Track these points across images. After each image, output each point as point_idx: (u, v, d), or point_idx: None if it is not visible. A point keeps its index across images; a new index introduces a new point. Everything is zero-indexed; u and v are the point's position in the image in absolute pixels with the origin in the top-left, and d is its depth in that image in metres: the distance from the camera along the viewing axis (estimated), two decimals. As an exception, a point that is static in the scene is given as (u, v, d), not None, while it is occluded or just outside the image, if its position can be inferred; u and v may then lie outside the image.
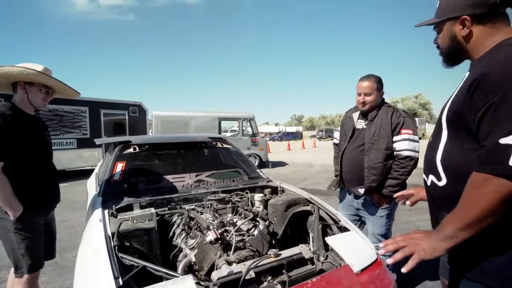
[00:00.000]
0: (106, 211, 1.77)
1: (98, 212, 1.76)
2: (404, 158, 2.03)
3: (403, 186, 2.09)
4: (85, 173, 8.66)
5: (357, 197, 2.27)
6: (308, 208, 2.10)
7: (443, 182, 1.02)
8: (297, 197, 2.16)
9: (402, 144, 2.03)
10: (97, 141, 2.88)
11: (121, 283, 1.18)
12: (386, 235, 2.20)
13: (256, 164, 10.28)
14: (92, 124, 9.31)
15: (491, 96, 0.82)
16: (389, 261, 0.93)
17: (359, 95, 2.13)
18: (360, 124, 2.23)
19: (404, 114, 2.09)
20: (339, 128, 2.51)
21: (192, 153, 3.03)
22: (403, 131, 2.03)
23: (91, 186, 2.96)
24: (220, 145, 3.12)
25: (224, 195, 2.22)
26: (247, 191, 2.36)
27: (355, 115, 2.27)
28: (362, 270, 1.47)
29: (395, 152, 2.06)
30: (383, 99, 2.19)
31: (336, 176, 2.45)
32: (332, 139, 2.74)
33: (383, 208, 2.16)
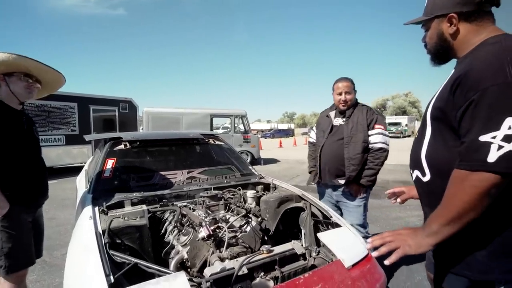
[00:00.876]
0: (96, 208, 1.75)
1: (88, 209, 1.73)
2: (378, 150, 2.26)
3: (376, 177, 2.32)
4: (74, 170, 8.51)
5: (335, 189, 2.41)
6: (300, 204, 2.12)
7: (427, 177, 1.05)
8: (289, 194, 2.18)
9: (376, 138, 2.26)
10: (87, 137, 2.82)
11: (112, 280, 1.17)
12: (363, 225, 2.38)
13: (248, 161, 10.30)
14: (81, 120, 9.14)
15: (471, 93, 0.84)
16: (374, 254, 0.97)
17: (340, 94, 2.34)
18: (338, 121, 2.42)
19: (377, 112, 2.36)
20: (314, 128, 2.69)
21: (184, 149, 3.01)
22: (376, 126, 2.28)
23: (81, 183, 2.91)
24: (212, 142, 3.11)
25: (216, 191, 2.21)
26: (240, 187, 2.36)
27: (332, 113, 2.47)
28: (353, 265, 1.49)
29: (370, 145, 2.27)
30: (357, 99, 2.42)
31: (310, 172, 2.61)
32: None
33: (360, 198, 2.34)
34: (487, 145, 0.79)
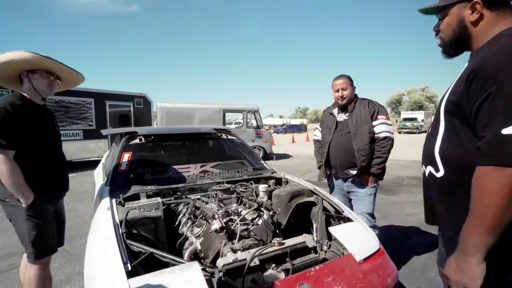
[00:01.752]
0: (113, 200, 1.81)
1: (106, 201, 1.80)
2: (383, 139, 2.33)
3: (385, 165, 2.41)
4: (91, 164, 8.79)
5: (345, 180, 2.47)
6: (312, 199, 2.12)
7: (441, 173, 1.03)
8: (301, 188, 2.19)
9: (380, 127, 2.34)
10: (103, 132, 2.91)
11: (129, 268, 1.22)
12: (372, 214, 2.45)
13: (260, 156, 10.31)
14: (98, 115, 9.38)
15: (488, 86, 0.82)
16: None
17: (337, 91, 2.42)
18: (341, 117, 2.49)
19: (377, 104, 2.43)
20: (318, 126, 2.76)
21: (197, 144, 3.06)
22: (379, 116, 2.36)
23: (98, 176, 3.01)
24: (225, 137, 3.14)
25: (229, 185, 2.24)
26: (252, 182, 2.39)
27: (335, 111, 2.55)
28: (365, 259, 1.50)
29: (375, 135, 2.34)
30: (356, 94, 2.48)
31: (319, 168, 2.66)
32: None
33: (371, 187, 2.41)
34: (509, 138, 0.77)
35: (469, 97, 0.90)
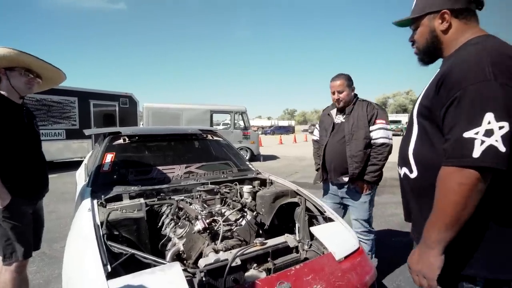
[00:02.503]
0: (95, 201, 1.79)
1: (87, 202, 1.77)
2: (380, 145, 2.23)
3: (381, 172, 2.29)
4: (74, 165, 8.56)
5: (341, 186, 2.39)
6: (295, 199, 2.16)
7: (414, 174, 1.08)
8: (285, 189, 2.22)
9: (378, 133, 2.23)
10: (86, 132, 2.86)
11: (109, 269, 1.21)
12: (368, 220, 2.38)
13: (247, 157, 10.33)
14: (82, 115, 9.17)
15: (454, 91, 0.87)
16: None
17: (333, 93, 2.32)
18: (339, 119, 2.40)
19: (377, 106, 2.31)
20: (317, 126, 2.67)
21: (183, 145, 3.05)
22: (377, 121, 2.24)
23: (80, 176, 2.95)
24: (211, 138, 3.15)
25: (213, 186, 2.25)
26: (236, 182, 2.40)
27: (333, 111, 2.45)
28: (344, 258, 1.54)
29: (372, 141, 2.24)
30: (356, 94, 2.37)
31: (317, 170, 2.57)
32: None
33: (366, 194, 2.32)
34: (471, 141, 0.82)
35: (438, 101, 0.95)
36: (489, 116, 0.80)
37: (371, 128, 2.25)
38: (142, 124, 10.64)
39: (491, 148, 0.80)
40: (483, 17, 1.06)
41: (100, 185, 2.11)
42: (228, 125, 11.10)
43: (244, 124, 10.70)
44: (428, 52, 1.13)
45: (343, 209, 2.50)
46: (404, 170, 1.14)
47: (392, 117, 32.95)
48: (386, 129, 2.25)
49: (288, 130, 39.53)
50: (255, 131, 11.70)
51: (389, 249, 3.08)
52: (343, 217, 2.48)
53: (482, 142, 0.80)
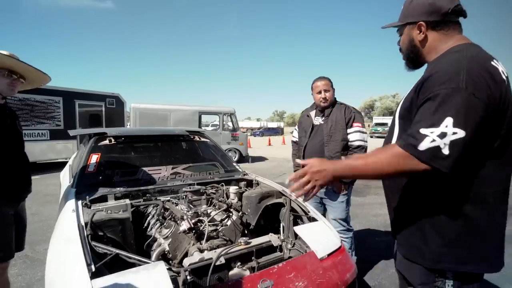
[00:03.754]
0: (79, 202, 1.78)
1: (71, 203, 1.76)
2: (357, 147, 2.33)
3: None
4: (58, 166, 8.36)
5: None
6: (280, 200, 2.20)
7: None
8: (271, 190, 2.26)
9: (355, 136, 2.33)
10: (71, 132, 2.82)
11: (93, 269, 1.22)
12: (347, 219, 2.48)
13: (236, 158, 10.34)
14: (66, 115, 8.97)
15: (427, 93, 0.94)
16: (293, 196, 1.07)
17: (319, 92, 2.40)
18: (318, 120, 2.49)
19: (354, 110, 2.41)
20: (296, 127, 2.74)
21: (169, 146, 3.05)
22: (354, 124, 2.35)
23: (65, 178, 2.91)
24: (198, 139, 3.16)
25: (199, 187, 2.27)
26: (223, 183, 2.42)
27: (312, 113, 2.53)
28: (326, 256, 1.59)
29: (349, 143, 2.34)
30: (335, 97, 2.48)
31: (295, 171, 2.58)
32: None
33: (343, 194, 2.42)
34: (423, 136, 0.89)
35: (416, 104, 1.01)
36: (448, 121, 0.87)
37: (349, 130, 2.34)
38: (129, 125, 10.50)
39: (436, 148, 0.87)
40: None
41: (85, 186, 2.09)
42: (217, 126, 11.09)
43: (233, 125, 10.71)
44: (411, 59, 1.20)
45: (324, 209, 2.57)
46: None
47: (378, 119, 33.60)
48: (362, 132, 2.37)
49: (277, 131, 39.72)
50: (243, 132, 11.71)
51: (372, 249, 3.17)
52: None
53: (433, 140, 0.88)
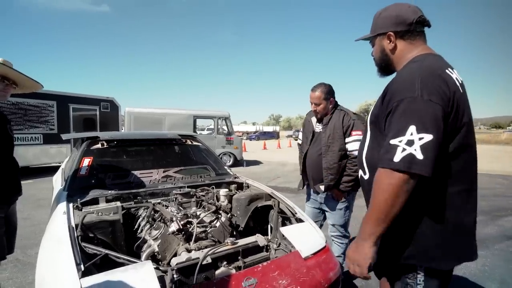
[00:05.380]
0: (71, 205, 1.82)
1: (62, 206, 1.80)
2: (355, 158, 2.24)
3: (357, 181, 2.30)
4: (51, 170, 8.32)
5: (319, 192, 2.46)
6: (269, 202, 2.26)
7: (367, 176, 1.21)
8: (260, 192, 2.31)
9: (353, 145, 2.24)
10: (64, 136, 2.85)
11: (83, 269, 1.26)
12: (345, 226, 2.46)
13: (230, 162, 10.38)
14: (60, 119, 8.95)
15: (392, 104, 1.02)
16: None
17: (311, 104, 2.37)
18: (318, 127, 2.45)
19: (354, 117, 2.32)
20: (301, 129, 2.73)
21: (161, 149, 3.09)
22: (353, 132, 2.26)
23: (57, 181, 2.93)
24: (190, 143, 3.21)
25: (189, 189, 2.31)
26: (213, 186, 2.47)
27: (313, 119, 2.50)
28: (311, 255, 1.65)
29: (348, 152, 2.28)
30: (336, 102, 2.41)
31: (301, 174, 2.63)
32: None
33: (342, 202, 2.40)
34: (395, 147, 0.96)
35: (382, 111, 1.08)
36: (412, 128, 0.94)
37: (347, 140, 2.27)
38: (123, 129, 10.50)
39: (410, 155, 0.93)
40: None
41: (77, 189, 2.13)
42: (213, 130, 11.14)
43: (228, 129, 10.76)
44: (382, 67, 1.28)
45: (323, 213, 2.57)
46: (361, 172, 1.27)
47: (373, 123, 33.94)
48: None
49: (273, 135, 39.85)
50: (238, 136, 11.77)
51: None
52: (323, 221, 2.59)
53: (404, 149, 0.94)
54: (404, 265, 1.12)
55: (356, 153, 2.24)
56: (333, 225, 2.46)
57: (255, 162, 12.23)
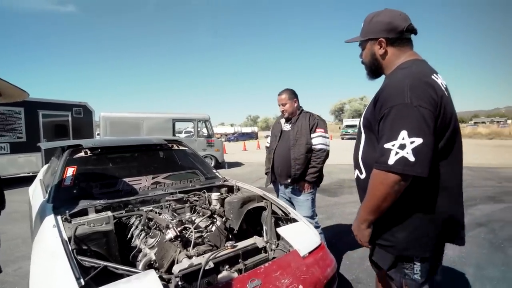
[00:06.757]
0: (59, 217, 1.74)
1: (50, 219, 1.72)
2: (319, 150, 2.60)
3: (321, 174, 2.67)
4: (21, 181, 7.85)
5: (286, 186, 2.72)
6: (262, 204, 2.29)
7: (363, 175, 1.28)
8: (252, 194, 2.34)
9: (317, 140, 2.60)
10: (42, 145, 2.70)
11: (83, 283, 1.22)
12: (312, 217, 2.69)
13: (212, 165, 10.28)
14: (29, 126, 8.42)
15: (383, 109, 1.09)
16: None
17: (279, 105, 2.70)
18: (286, 127, 2.76)
19: (318, 117, 2.69)
20: (270, 133, 2.99)
21: (148, 155, 3.03)
22: (317, 129, 2.62)
23: (36, 193, 2.78)
24: (176, 147, 3.17)
25: (182, 195, 2.29)
26: (204, 190, 2.46)
27: (282, 120, 2.83)
28: (308, 253, 1.70)
29: (312, 146, 2.60)
30: (301, 107, 2.76)
31: (266, 173, 2.90)
32: None
33: (307, 193, 2.66)
34: (389, 151, 1.04)
35: (375, 116, 1.16)
36: (403, 133, 1.02)
37: (312, 135, 2.60)
38: (98, 135, 10.09)
39: (402, 158, 1.02)
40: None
41: (62, 200, 2.04)
42: (191, 133, 10.98)
43: (208, 132, 10.66)
44: (371, 70, 1.36)
45: (292, 206, 2.75)
46: (357, 172, 1.34)
47: (348, 121, 35.03)
48: (324, 137, 2.63)
49: (252, 136, 39.93)
50: (218, 138, 11.70)
51: (347, 245, 3.34)
52: None
53: (397, 153, 1.02)
54: (401, 257, 1.19)
55: (319, 146, 2.60)
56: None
57: (237, 164, 12.22)
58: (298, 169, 2.56)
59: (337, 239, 3.57)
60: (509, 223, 4.11)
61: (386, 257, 1.22)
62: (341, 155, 9.82)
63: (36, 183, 3.20)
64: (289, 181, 2.63)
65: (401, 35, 1.23)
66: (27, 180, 3.45)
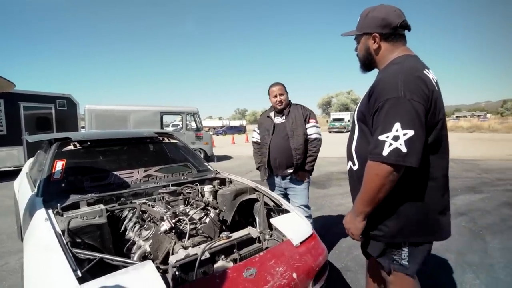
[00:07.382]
0: (50, 211, 1.72)
1: (41, 213, 1.70)
2: (314, 140, 2.69)
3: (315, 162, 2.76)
4: (2, 175, 7.60)
5: (284, 178, 2.76)
6: (254, 196, 2.32)
7: (356, 166, 1.33)
8: (244, 187, 2.37)
9: (312, 130, 2.69)
10: (29, 139, 2.62)
11: (80, 274, 1.22)
12: (308, 206, 2.79)
13: (201, 158, 10.22)
14: (9, 119, 8.12)
15: (378, 103, 1.13)
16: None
17: (275, 96, 2.70)
18: (278, 120, 2.76)
19: (308, 109, 2.78)
20: (256, 129, 2.99)
21: (139, 149, 3.00)
22: (311, 120, 2.71)
23: (23, 187, 2.72)
24: (167, 140, 3.15)
25: (175, 188, 2.29)
26: (197, 183, 2.48)
27: (272, 114, 2.81)
28: (301, 243, 1.75)
29: (307, 136, 2.68)
30: (289, 99, 2.80)
31: (258, 168, 2.95)
32: None
33: (305, 182, 2.74)
34: (383, 143, 1.08)
35: (369, 109, 1.20)
36: (397, 125, 1.07)
37: (307, 126, 2.69)
38: (83, 128, 9.84)
39: (396, 149, 1.06)
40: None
41: (52, 194, 2.01)
42: (179, 127, 10.86)
43: (197, 125, 10.58)
44: (365, 64, 1.40)
45: (286, 198, 2.82)
46: (350, 163, 1.39)
47: (335, 115, 35.46)
48: (317, 127, 2.73)
49: (240, 129, 39.85)
50: (207, 131, 11.63)
51: (336, 235, 3.44)
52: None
53: (390, 144, 1.07)
54: (390, 244, 1.25)
55: (314, 136, 2.69)
56: (299, 206, 2.72)
57: (226, 157, 12.22)
58: (299, 159, 2.63)
59: (326, 229, 3.66)
60: (487, 212, 4.31)
61: (376, 245, 1.28)
62: (329, 149, 9.97)
63: (22, 177, 3.12)
64: (290, 171, 2.67)
65: (395, 31, 1.27)
66: (10, 174, 3.35)
